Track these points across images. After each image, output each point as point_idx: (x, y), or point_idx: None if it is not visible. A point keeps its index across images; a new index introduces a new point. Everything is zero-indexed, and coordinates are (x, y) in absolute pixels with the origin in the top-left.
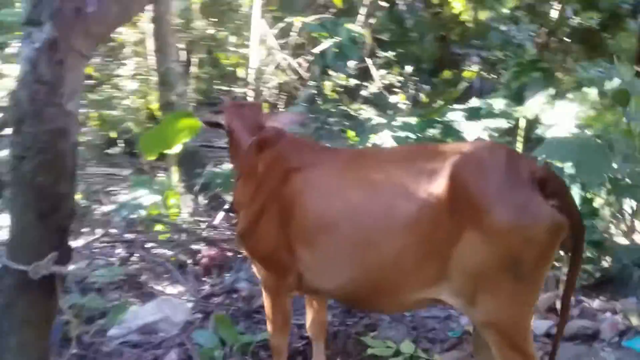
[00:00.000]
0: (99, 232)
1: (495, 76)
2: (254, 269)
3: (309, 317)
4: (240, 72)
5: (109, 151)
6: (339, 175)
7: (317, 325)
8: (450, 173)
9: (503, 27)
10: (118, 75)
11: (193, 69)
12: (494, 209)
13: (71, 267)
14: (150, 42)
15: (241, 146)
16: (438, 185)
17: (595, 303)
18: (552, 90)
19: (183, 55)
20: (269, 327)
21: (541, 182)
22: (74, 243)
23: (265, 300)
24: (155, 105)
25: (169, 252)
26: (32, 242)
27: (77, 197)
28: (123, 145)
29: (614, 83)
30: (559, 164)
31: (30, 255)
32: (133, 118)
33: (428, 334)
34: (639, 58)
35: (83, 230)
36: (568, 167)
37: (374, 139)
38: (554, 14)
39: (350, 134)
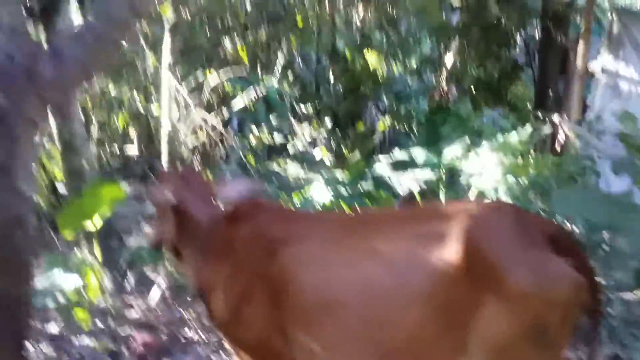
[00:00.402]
0: None
1: (404, 126)
2: None
3: None
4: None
5: None
6: (337, 246)
7: None
8: (463, 238)
9: (409, 80)
10: None
11: (94, 132)
12: (512, 272)
13: None
14: None
15: (198, 222)
16: (452, 252)
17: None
18: (466, 139)
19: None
20: None
21: (553, 240)
22: None
23: None
24: (59, 174)
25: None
26: None
27: None
28: None
29: (526, 131)
30: None
31: None
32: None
33: None
34: (536, 103)
35: None
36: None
37: (310, 195)
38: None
39: (298, 195)
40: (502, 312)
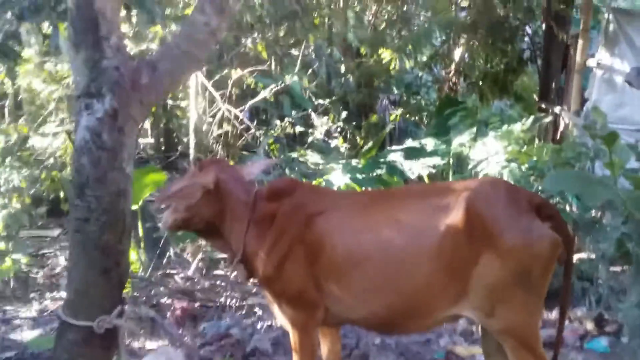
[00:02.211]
0: None
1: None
2: (276, 311)
3: (324, 349)
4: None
5: (33, 212)
6: (362, 215)
7: (333, 356)
8: (464, 206)
9: (420, 73)
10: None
11: None
12: (505, 232)
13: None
14: None
15: (239, 199)
16: (455, 218)
17: (553, 314)
18: (473, 129)
19: None
20: None
21: (537, 208)
22: (28, 310)
23: (294, 337)
24: None
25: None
26: (95, 298)
27: (23, 261)
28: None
29: (528, 123)
30: None
31: (93, 311)
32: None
33: (415, 357)
34: (541, 95)
35: (32, 295)
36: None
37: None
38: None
39: (319, 181)
40: (496, 263)
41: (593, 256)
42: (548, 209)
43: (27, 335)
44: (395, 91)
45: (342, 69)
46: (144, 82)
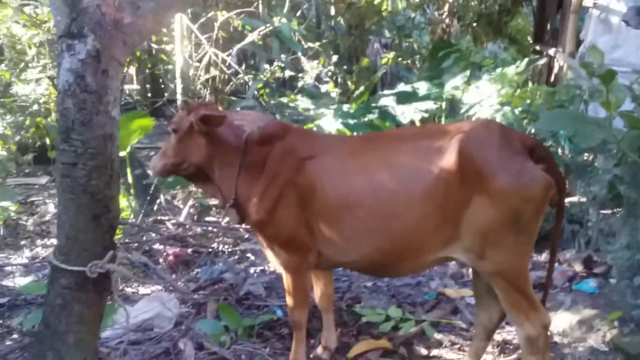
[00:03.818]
0: None
1: (408, 61)
2: (269, 255)
3: (317, 292)
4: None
5: (19, 160)
6: (354, 159)
7: (326, 298)
8: (457, 149)
9: (413, 15)
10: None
11: None
12: (497, 175)
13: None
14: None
15: (230, 143)
16: (448, 160)
17: (542, 257)
18: (467, 72)
19: None
20: (290, 304)
21: (530, 150)
22: (19, 257)
23: (287, 280)
24: None
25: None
26: (86, 243)
27: (12, 209)
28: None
29: (522, 65)
30: None
31: (84, 256)
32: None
33: (407, 299)
34: (535, 37)
35: (22, 242)
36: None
37: (320, 125)
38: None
39: (309, 126)
40: (488, 205)
41: (584, 199)
42: (541, 151)
43: (19, 281)
44: (387, 34)
45: (332, 10)
46: (127, 22)
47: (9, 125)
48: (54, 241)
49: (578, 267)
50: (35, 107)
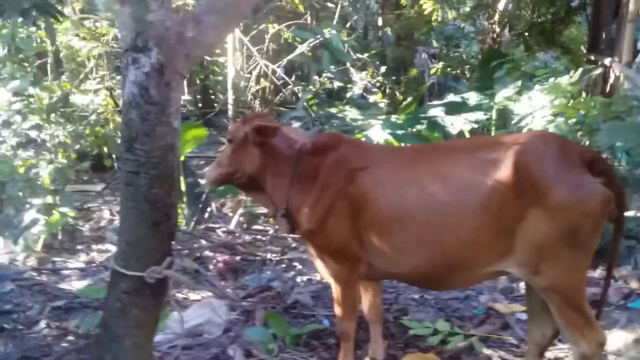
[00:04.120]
0: None
1: (457, 71)
2: (318, 265)
3: (365, 303)
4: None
5: (77, 167)
6: (406, 170)
7: (374, 310)
8: (513, 161)
9: (462, 25)
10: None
11: None
12: (555, 188)
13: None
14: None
15: (283, 153)
16: (504, 172)
17: (597, 273)
18: (518, 83)
19: None
20: (338, 314)
21: (590, 164)
22: (76, 261)
23: (336, 291)
24: None
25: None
26: (146, 250)
27: (70, 214)
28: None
29: (576, 75)
30: None
31: (143, 262)
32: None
33: (455, 313)
34: (590, 46)
35: (79, 247)
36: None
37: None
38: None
39: (358, 136)
40: (545, 220)
41: None
42: (600, 164)
43: (76, 285)
44: (435, 44)
45: (380, 21)
46: (190, 36)
47: (70, 134)
48: (109, 246)
49: (634, 285)
50: (94, 117)
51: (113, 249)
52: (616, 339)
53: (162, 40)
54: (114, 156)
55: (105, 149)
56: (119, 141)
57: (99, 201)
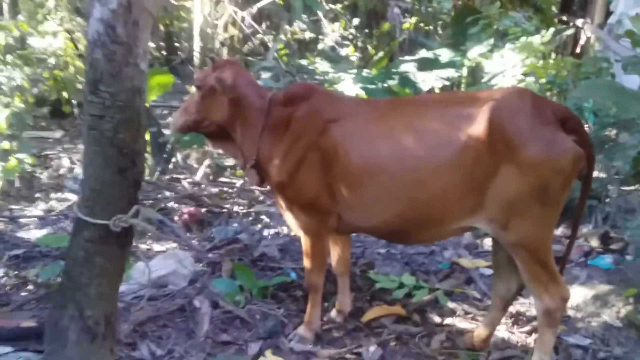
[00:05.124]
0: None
1: (429, 27)
2: (288, 218)
3: (334, 256)
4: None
5: (35, 113)
6: (379, 123)
7: (343, 263)
8: (488, 117)
9: None
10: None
11: None
12: (527, 145)
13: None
14: None
15: (253, 103)
16: (478, 128)
17: (559, 231)
18: (491, 40)
19: None
20: (307, 266)
21: (562, 121)
22: (34, 210)
23: (306, 243)
24: None
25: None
26: (111, 197)
27: (27, 161)
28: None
29: (548, 35)
30: None
31: (109, 210)
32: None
33: (420, 267)
34: (562, 7)
35: (37, 195)
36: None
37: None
38: None
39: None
40: (516, 175)
41: (603, 175)
42: (573, 122)
43: (34, 233)
44: None
45: None
46: None
47: (27, 78)
48: (68, 195)
49: (594, 243)
50: (53, 60)
51: (72, 197)
52: (576, 295)
53: None
54: (74, 102)
55: (65, 95)
56: (79, 86)
57: (58, 148)
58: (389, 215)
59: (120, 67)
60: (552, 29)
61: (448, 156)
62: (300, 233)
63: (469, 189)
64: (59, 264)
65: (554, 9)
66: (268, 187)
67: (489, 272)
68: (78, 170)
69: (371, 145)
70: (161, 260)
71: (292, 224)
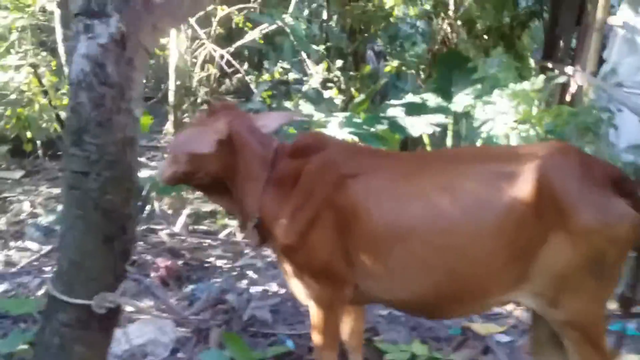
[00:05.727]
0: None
1: (412, 71)
2: (294, 285)
3: (346, 328)
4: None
5: None
6: (407, 180)
7: (356, 336)
8: (534, 176)
9: (419, 23)
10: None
11: None
12: (580, 210)
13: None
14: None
15: (255, 151)
16: (523, 189)
17: None
18: (478, 86)
19: None
20: (317, 342)
21: (614, 182)
22: None
23: (316, 315)
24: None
25: None
26: (94, 271)
27: None
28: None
29: (539, 82)
30: None
31: (91, 287)
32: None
33: (429, 333)
34: (545, 53)
35: None
36: None
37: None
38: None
39: None
40: (567, 245)
41: None
42: (627, 184)
43: None
44: (380, 42)
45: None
46: (159, 1)
47: None
48: (29, 244)
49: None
50: (14, 96)
51: (34, 247)
52: None
53: (124, 4)
54: (37, 142)
55: (29, 134)
56: (43, 125)
57: (18, 190)
58: (417, 287)
59: (110, 114)
60: (542, 76)
61: (488, 219)
62: (309, 303)
63: (512, 258)
64: (22, 334)
65: (529, 55)
66: (271, 248)
67: (506, 338)
68: (41, 216)
69: (397, 205)
70: (138, 328)
71: (298, 294)
